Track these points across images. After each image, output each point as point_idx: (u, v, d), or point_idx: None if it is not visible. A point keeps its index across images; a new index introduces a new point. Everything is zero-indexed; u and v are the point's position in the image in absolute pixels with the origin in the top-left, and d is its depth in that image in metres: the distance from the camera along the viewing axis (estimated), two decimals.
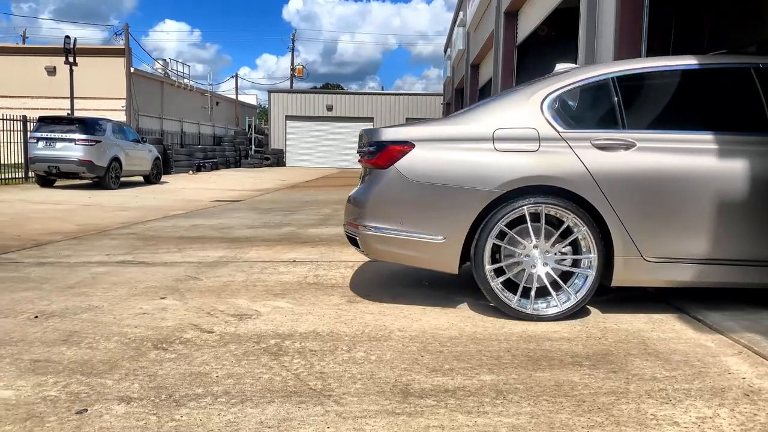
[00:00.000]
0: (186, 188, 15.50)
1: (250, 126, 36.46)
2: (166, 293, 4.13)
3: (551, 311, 3.55)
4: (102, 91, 28.56)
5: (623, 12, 6.96)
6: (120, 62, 29.52)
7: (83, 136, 14.20)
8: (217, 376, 2.64)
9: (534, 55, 12.36)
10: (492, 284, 3.58)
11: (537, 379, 2.65)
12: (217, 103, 38.64)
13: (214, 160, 28.59)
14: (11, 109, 21.95)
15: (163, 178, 18.96)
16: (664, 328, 3.42)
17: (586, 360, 2.89)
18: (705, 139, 3.59)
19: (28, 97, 28.51)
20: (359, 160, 4.07)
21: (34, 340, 3.10)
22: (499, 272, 3.62)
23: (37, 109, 23.84)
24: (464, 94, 22.94)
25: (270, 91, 36.65)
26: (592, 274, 3.55)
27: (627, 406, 2.38)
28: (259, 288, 4.31)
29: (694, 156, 3.54)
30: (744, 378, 2.68)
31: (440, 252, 3.62)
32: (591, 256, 3.55)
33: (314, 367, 2.76)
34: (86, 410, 2.30)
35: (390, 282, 3.90)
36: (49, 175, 14.68)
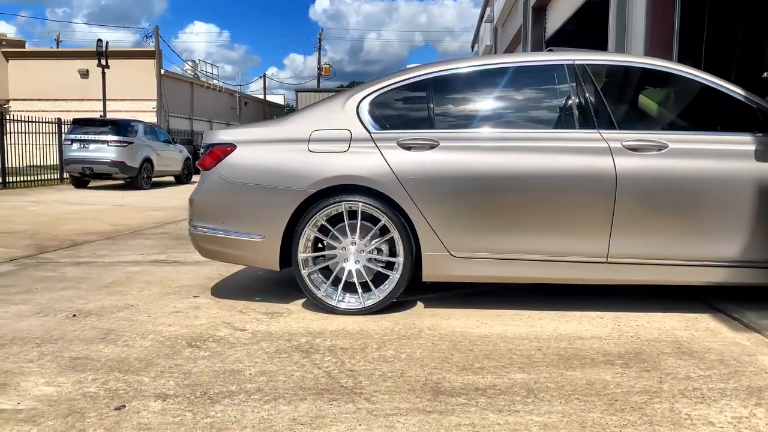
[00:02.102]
0: None
1: None
2: (198, 292, 4.20)
3: (361, 305, 3.63)
4: (133, 92, 29.09)
5: (654, 5, 6.86)
6: (150, 64, 30.02)
7: (116, 138, 14.49)
8: (250, 374, 2.69)
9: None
10: (305, 277, 3.67)
11: (568, 377, 2.64)
12: (246, 103, 39.04)
13: None
14: (46, 111, 22.51)
15: (194, 178, 19.23)
16: (698, 327, 3.37)
17: (618, 359, 2.87)
18: (511, 136, 3.63)
19: (62, 99, 29.19)
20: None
21: (73, 338, 3.19)
22: (320, 267, 3.72)
23: (71, 111, 24.43)
24: None
25: (297, 91, 36.94)
26: (399, 269, 3.61)
27: (660, 405, 2.36)
28: (289, 285, 4.35)
29: (498, 154, 3.56)
30: None
31: (260, 250, 3.71)
32: (398, 253, 3.60)
33: (345, 365, 2.79)
34: (124, 406, 2.36)
35: (412, 282, 3.91)
36: (84, 176, 15.02)
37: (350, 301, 3.67)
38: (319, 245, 3.82)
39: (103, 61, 22.59)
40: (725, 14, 8.79)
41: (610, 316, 3.56)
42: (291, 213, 3.61)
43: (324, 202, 3.60)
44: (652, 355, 2.92)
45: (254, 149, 3.77)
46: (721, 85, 3.63)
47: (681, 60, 7.03)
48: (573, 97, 3.66)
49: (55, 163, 17.09)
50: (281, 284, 4.42)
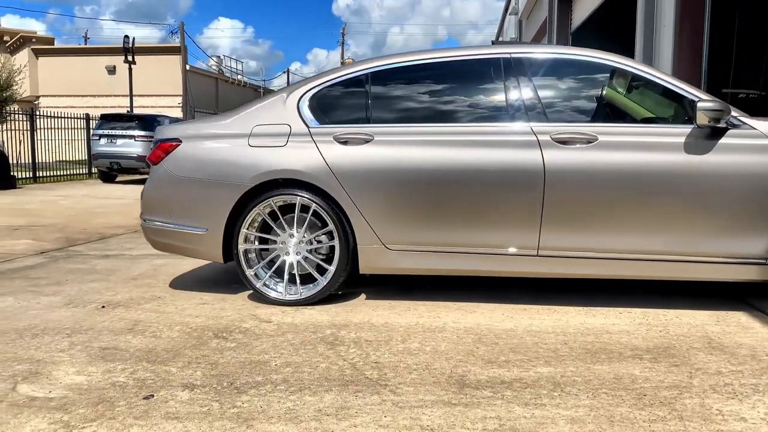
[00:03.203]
0: None
1: None
2: (224, 284, 4.24)
3: (300, 296, 3.68)
4: (159, 88, 29.41)
5: None
6: (176, 60, 30.33)
7: (142, 133, 14.66)
8: (275, 365, 2.70)
9: (590, 43, 12.08)
10: (245, 269, 3.73)
11: (595, 371, 2.61)
12: None
13: None
14: (74, 107, 22.86)
15: None
16: (729, 322, 3.30)
17: (647, 353, 2.83)
18: (443, 130, 3.64)
19: (90, 95, 29.63)
20: None
21: (103, 329, 3.24)
22: (263, 260, 3.79)
23: (98, 107, 24.79)
24: None
25: None
26: (335, 262, 3.64)
27: (690, 400, 2.32)
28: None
29: (430, 148, 3.57)
30: None
31: (204, 243, 3.78)
32: (335, 245, 3.64)
33: (370, 357, 2.79)
34: (153, 396, 2.39)
35: (442, 276, 3.91)
36: (111, 171, 15.24)
37: (290, 292, 3.71)
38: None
39: (129, 58, 22.88)
40: (758, 7, 8.57)
41: (638, 311, 3.51)
42: (231, 206, 3.68)
43: (263, 196, 3.66)
44: (682, 349, 2.88)
45: (198, 144, 3.86)
46: (656, 76, 3.58)
47: (711, 57, 6.89)
48: (507, 91, 3.66)
49: (83, 158, 17.36)
50: None
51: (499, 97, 3.70)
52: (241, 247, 3.72)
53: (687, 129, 3.41)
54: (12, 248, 5.73)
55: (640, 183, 3.40)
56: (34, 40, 32.98)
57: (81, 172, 16.92)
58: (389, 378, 2.55)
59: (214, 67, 35.41)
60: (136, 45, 23.72)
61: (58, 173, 16.11)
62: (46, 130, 16.05)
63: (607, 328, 3.20)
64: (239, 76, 36.78)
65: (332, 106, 3.86)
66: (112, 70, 29.96)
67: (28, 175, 15.12)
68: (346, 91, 3.88)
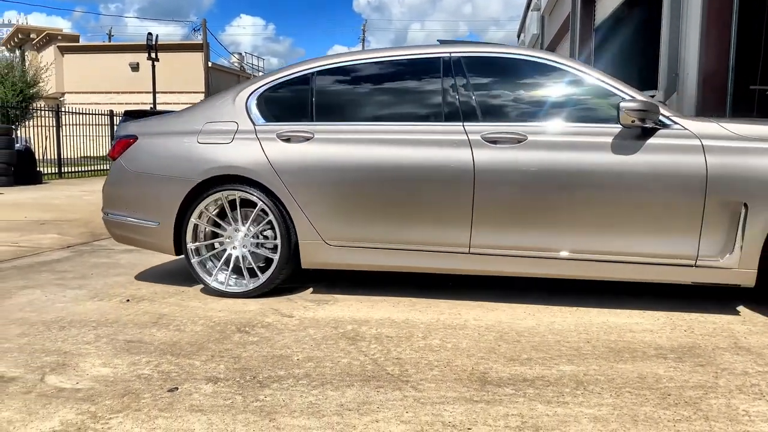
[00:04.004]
0: None
1: None
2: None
3: (241, 288, 3.79)
4: (181, 85, 29.68)
5: None
6: (198, 57, 30.57)
7: None
8: (297, 359, 2.72)
9: (613, 38, 11.94)
10: (193, 263, 3.85)
11: (619, 370, 2.59)
12: None
13: None
14: (99, 104, 23.18)
15: None
16: (756, 322, 3.25)
17: (671, 353, 2.80)
18: (378, 129, 3.67)
19: (114, 92, 30.00)
20: None
21: (128, 322, 3.29)
22: (211, 253, 3.90)
23: (122, 103, 25.11)
24: None
25: None
26: (276, 257, 3.73)
27: (716, 400, 2.29)
28: (336, 273, 4.38)
29: (366, 146, 3.62)
30: None
31: (157, 236, 3.93)
32: (276, 241, 3.74)
33: (391, 353, 2.80)
34: (177, 389, 2.42)
35: (456, 275, 3.90)
36: None
37: (235, 283, 3.83)
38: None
39: (153, 55, 23.12)
40: None
41: (662, 310, 3.47)
42: (181, 201, 3.80)
43: (210, 191, 3.77)
44: (707, 349, 2.84)
45: (152, 140, 4.00)
46: (594, 76, 3.53)
47: (738, 53, 6.77)
48: (443, 90, 3.67)
49: (106, 154, 17.59)
50: (326, 273, 4.45)
51: (435, 97, 3.70)
52: (189, 240, 3.83)
53: (616, 129, 3.37)
54: (39, 242, 5.84)
55: (567, 182, 3.38)
56: (59, 37, 33.47)
57: (105, 167, 17.15)
58: (411, 374, 2.56)
59: (235, 64, 35.65)
60: (159, 42, 23.96)
61: (83, 169, 16.35)
62: (71, 127, 16.30)
63: (630, 327, 3.17)
64: (261, 74, 36.97)
65: (278, 104, 3.93)
66: (135, 67, 30.30)
67: (53, 171, 15.37)
68: (291, 90, 3.94)
